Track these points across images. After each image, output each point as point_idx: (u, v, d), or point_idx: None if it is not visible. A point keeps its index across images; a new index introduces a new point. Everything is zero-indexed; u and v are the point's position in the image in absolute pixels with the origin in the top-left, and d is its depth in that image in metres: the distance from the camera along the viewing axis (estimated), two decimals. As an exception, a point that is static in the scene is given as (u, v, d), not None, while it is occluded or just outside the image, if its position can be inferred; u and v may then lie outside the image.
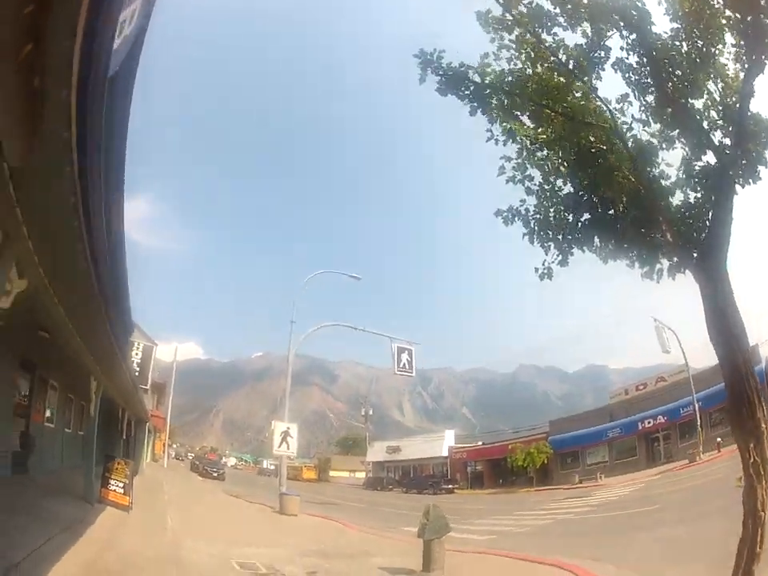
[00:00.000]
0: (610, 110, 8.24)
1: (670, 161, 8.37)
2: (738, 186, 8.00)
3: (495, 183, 8.86)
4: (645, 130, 8.39)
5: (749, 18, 7.52)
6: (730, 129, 7.96)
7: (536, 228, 8.86)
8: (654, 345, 55.73)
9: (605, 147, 8.30)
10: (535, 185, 8.83)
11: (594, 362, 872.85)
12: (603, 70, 8.10)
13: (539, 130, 8.50)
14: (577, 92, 8.47)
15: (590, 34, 8.09)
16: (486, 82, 8.11)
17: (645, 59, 7.99)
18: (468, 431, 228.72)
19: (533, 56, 8.17)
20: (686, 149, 8.12)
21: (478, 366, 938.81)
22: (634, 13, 7.83)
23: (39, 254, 6.80)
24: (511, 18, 8.19)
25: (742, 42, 7.70)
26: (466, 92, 8.10)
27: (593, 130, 8.34)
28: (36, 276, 7.40)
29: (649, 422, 60.97)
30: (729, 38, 7.85)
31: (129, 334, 39.76)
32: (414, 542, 14.17)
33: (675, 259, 8.34)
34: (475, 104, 8.20)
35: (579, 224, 8.76)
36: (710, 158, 8.14)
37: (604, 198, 8.49)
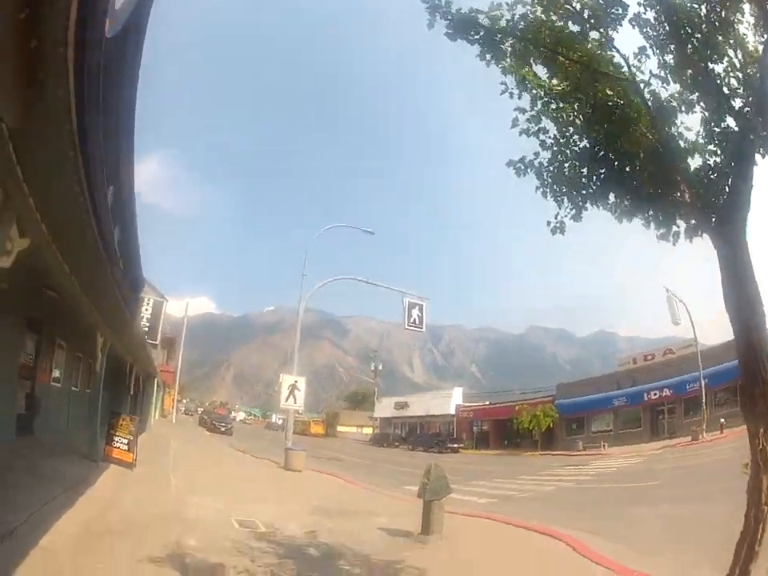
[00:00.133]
0: (627, 62, 7.84)
1: (690, 125, 8.17)
2: (758, 156, 7.54)
3: (511, 139, 8.73)
4: (663, 87, 7.76)
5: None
6: (750, 99, 7.51)
7: (549, 181, 8.52)
8: (665, 316, 55.30)
9: (622, 102, 7.93)
10: (549, 138, 8.46)
11: (604, 329, 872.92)
12: (621, 25, 7.88)
13: (553, 81, 8.19)
14: (593, 42, 7.97)
15: None
16: (497, 27, 7.78)
17: (663, 16, 7.57)
18: (476, 390, 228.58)
19: (545, 2, 7.94)
20: (706, 112, 7.88)
21: (488, 325, 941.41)
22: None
23: (41, 212, 6.80)
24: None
25: (760, 12, 7.51)
26: (476, 36, 7.68)
27: (609, 83, 7.95)
28: (39, 234, 7.36)
29: (655, 394, 60.83)
30: (747, 8, 7.67)
31: (139, 290, 39.87)
32: (415, 501, 14.21)
33: (693, 221, 7.95)
34: (485, 49, 7.85)
35: (595, 178, 8.40)
36: (730, 122, 7.63)
37: (621, 153, 8.11)
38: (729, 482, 18.71)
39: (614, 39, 7.89)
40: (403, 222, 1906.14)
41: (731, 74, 7.63)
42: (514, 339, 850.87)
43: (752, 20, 7.59)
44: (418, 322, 38.67)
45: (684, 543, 13.15)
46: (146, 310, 47.97)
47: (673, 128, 7.87)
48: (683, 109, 7.88)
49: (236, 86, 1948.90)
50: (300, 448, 30.37)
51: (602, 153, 8.16)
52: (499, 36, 7.71)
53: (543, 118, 8.28)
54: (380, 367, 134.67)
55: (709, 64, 7.49)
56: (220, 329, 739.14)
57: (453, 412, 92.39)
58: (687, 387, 56.57)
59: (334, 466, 36.93)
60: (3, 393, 16.43)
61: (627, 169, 8.08)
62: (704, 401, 51.35)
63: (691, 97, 7.86)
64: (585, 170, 8.34)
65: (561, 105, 8.06)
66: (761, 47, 7.32)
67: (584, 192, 8.34)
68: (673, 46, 7.64)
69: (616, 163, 8.05)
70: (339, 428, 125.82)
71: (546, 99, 8.10)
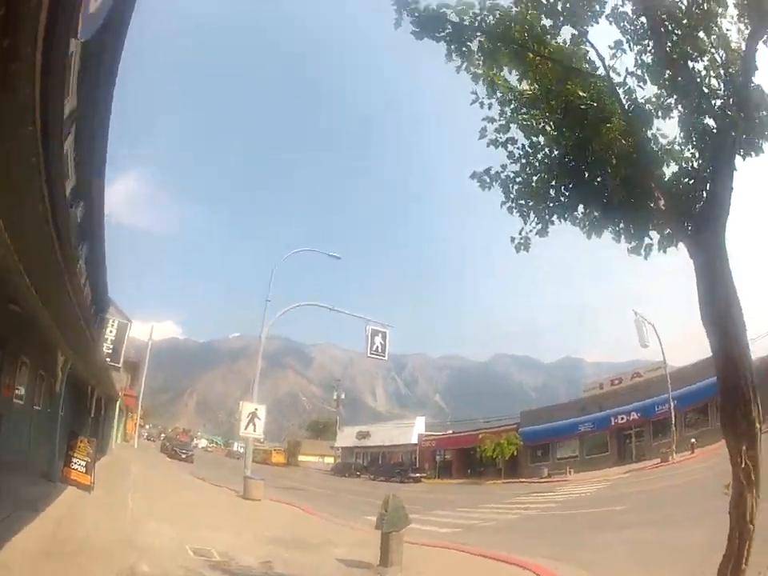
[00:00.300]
0: (602, 59, 7.60)
1: (666, 131, 8.01)
2: (738, 158, 7.43)
3: (479, 161, 8.58)
4: (640, 86, 7.70)
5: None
6: (732, 99, 7.32)
7: (515, 194, 8.37)
8: (632, 340, 55.61)
9: (595, 104, 7.79)
10: (518, 148, 8.31)
11: (570, 354, 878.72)
12: (597, 23, 7.69)
13: (523, 84, 8.03)
14: (567, 40, 7.78)
15: None
16: (466, 23, 7.46)
17: (641, 10, 7.43)
18: (440, 419, 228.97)
19: None
20: (684, 112, 7.64)
21: (452, 353, 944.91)
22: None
23: (5, 220, 6.64)
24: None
25: (744, 3, 7.35)
26: (443, 34, 7.42)
27: (582, 82, 7.81)
28: (2, 244, 7.24)
29: (622, 418, 60.90)
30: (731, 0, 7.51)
31: (104, 310, 39.41)
32: (375, 531, 13.93)
33: (667, 231, 7.87)
34: (453, 47, 7.61)
35: (563, 189, 8.26)
36: (709, 123, 7.48)
37: (592, 162, 7.97)
38: (697, 504, 18.86)
39: (587, 32, 7.73)
40: (368, 251, 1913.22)
41: (712, 72, 7.48)
42: (479, 367, 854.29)
43: (736, 12, 7.44)
44: (380, 350, 38.62)
45: (651, 568, 13.17)
46: (111, 331, 47.67)
47: (648, 132, 7.71)
48: (660, 114, 7.69)
49: (196, 115, 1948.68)
50: (259, 477, 30.02)
51: (572, 163, 7.94)
52: (467, 33, 7.50)
53: (512, 126, 8.10)
54: (342, 396, 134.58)
55: (689, 62, 7.34)
56: (185, 354, 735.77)
57: (415, 441, 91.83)
58: (656, 409, 56.87)
59: (294, 495, 36.60)
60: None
61: (598, 179, 7.90)
62: (673, 422, 51.56)
63: (669, 101, 7.70)
64: (553, 182, 8.17)
65: (531, 111, 7.90)
66: (744, 44, 7.18)
67: (552, 204, 8.19)
68: (651, 42, 7.46)
69: (587, 173, 7.86)
70: (301, 457, 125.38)
71: (515, 105, 7.91)
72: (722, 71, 7.42)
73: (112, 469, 32.15)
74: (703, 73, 7.48)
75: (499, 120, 8.02)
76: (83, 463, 19.41)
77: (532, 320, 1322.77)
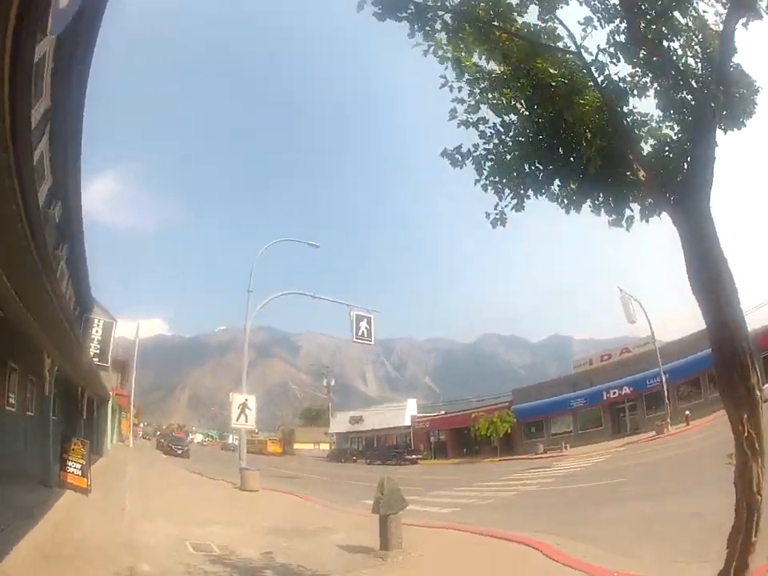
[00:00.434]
0: (571, 35, 7.27)
1: (642, 110, 7.81)
2: (720, 133, 7.14)
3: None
4: (613, 62, 7.29)
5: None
6: (710, 77, 6.99)
7: (488, 172, 8.07)
8: (619, 316, 55.85)
9: (566, 81, 7.50)
10: (490, 127, 7.98)
11: (557, 333, 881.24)
12: (566, 2, 7.49)
13: (491, 63, 7.71)
14: (533, 14, 7.49)
15: None
16: (429, 2, 7.14)
17: None
18: (432, 400, 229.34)
19: None
20: (661, 89, 7.41)
21: (439, 335, 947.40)
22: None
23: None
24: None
25: None
26: (405, 14, 7.17)
27: (552, 60, 7.55)
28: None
29: (614, 393, 61.28)
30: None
31: (88, 310, 39.13)
32: (374, 516, 13.77)
33: (649, 201, 7.61)
34: (416, 26, 7.25)
35: (538, 164, 7.95)
36: (688, 97, 7.20)
37: (566, 137, 7.68)
38: (694, 475, 18.88)
39: (555, 9, 7.46)
40: (353, 238, 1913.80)
41: (689, 52, 7.29)
42: (467, 348, 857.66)
43: None
44: (366, 335, 38.60)
45: (653, 540, 12.93)
46: (96, 331, 47.43)
47: (624, 108, 7.56)
48: (635, 93, 7.51)
49: (183, 104, 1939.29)
50: (255, 468, 30.15)
51: (546, 140, 7.76)
52: (430, 12, 7.27)
53: (483, 107, 7.87)
54: (333, 383, 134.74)
55: (665, 42, 7.17)
56: (173, 350, 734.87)
57: (409, 423, 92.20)
58: (648, 383, 57.15)
59: (291, 484, 36.62)
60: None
61: (573, 156, 7.65)
62: (666, 395, 51.84)
63: (644, 80, 7.49)
64: (527, 159, 7.94)
65: (502, 90, 7.72)
66: (721, 25, 6.99)
67: (527, 180, 7.97)
68: (624, 22, 7.18)
69: (561, 150, 7.70)
70: (296, 445, 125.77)
71: (484, 85, 7.73)
72: (699, 50, 7.18)
73: (109, 470, 32.11)
74: (680, 52, 7.25)
75: (468, 100, 7.81)
76: (78, 466, 19.22)
77: (517, 300, 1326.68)
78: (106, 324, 49.11)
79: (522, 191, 7.98)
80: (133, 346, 77.96)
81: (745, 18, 6.85)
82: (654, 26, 7.06)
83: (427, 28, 7.36)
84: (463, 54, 7.53)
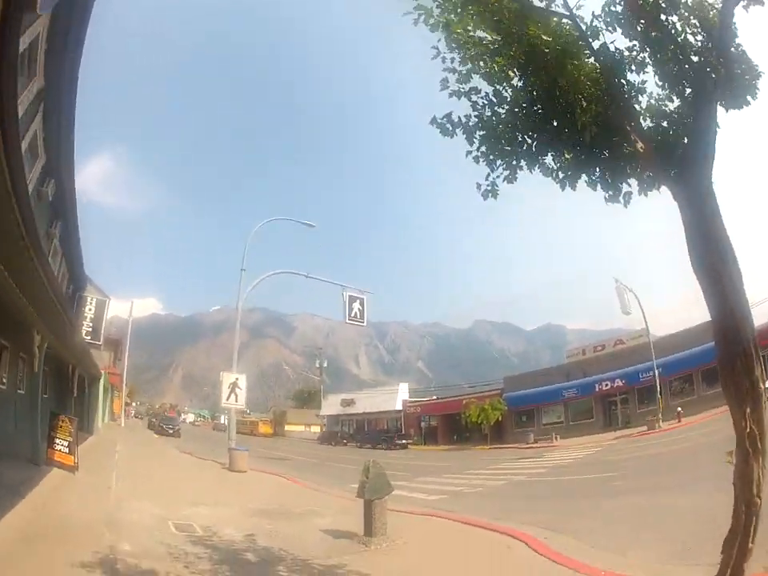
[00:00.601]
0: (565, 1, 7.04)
1: (639, 82, 7.64)
2: (722, 111, 6.97)
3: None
4: (609, 30, 6.92)
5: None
6: (710, 52, 6.71)
7: (479, 141, 7.74)
8: (614, 307, 55.75)
9: (559, 48, 7.11)
10: (482, 97, 7.69)
11: (551, 321, 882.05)
12: None
13: (480, 31, 7.25)
14: None
15: None
16: None
17: None
18: (424, 385, 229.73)
19: None
20: (660, 63, 7.25)
21: (433, 320, 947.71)
22: None
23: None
24: None
25: None
26: None
27: (545, 25, 7.17)
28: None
29: (606, 385, 61.22)
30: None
31: (81, 287, 39.11)
32: (361, 500, 13.69)
33: (648, 174, 7.34)
34: None
35: (531, 136, 7.65)
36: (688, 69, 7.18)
37: (560, 108, 7.34)
38: (687, 472, 18.84)
39: None
40: (350, 220, 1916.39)
41: (688, 29, 7.02)
42: (461, 334, 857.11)
43: None
44: (359, 316, 38.64)
45: (647, 537, 12.76)
46: (89, 309, 47.41)
47: (621, 78, 7.38)
48: (633, 68, 7.33)
49: (182, 80, 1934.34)
50: (244, 448, 30.01)
51: (539, 111, 7.54)
52: None
53: (475, 76, 7.54)
54: (325, 364, 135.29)
55: (663, 15, 6.98)
56: (167, 330, 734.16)
57: (400, 408, 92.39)
58: (640, 377, 57.00)
59: (280, 465, 36.74)
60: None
61: (568, 126, 7.41)
62: (659, 390, 51.69)
63: (642, 55, 7.27)
64: (520, 131, 7.66)
65: (494, 58, 7.50)
66: (721, 3, 6.83)
67: (519, 150, 7.69)
68: None
69: (555, 120, 7.54)
70: (287, 427, 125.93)
71: (475, 52, 7.50)
72: (698, 25, 6.99)
73: (98, 448, 32.09)
74: (679, 28, 6.98)
75: (460, 69, 7.59)
76: (66, 443, 19.14)
77: (512, 288, 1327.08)
78: (99, 302, 49.11)
79: (514, 162, 7.70)
80: (126, 325, 77.88)
81: (745, 1, 6.72)
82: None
83: None
84: (453, 17, 7.27)
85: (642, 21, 6.99)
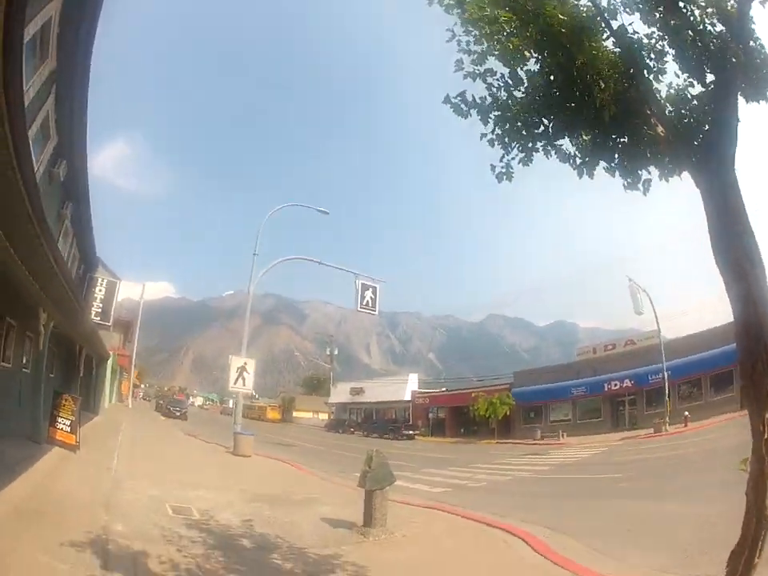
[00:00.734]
0: None
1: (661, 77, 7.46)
2: (742, 101, 6.62)
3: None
4: (626, 11, 6.98)
5: None
6: (730, 41, 6.51)
7: (493, 119, 7.49)
8: (626, 307, 55.12)
9: (577, 26, 6.85)
10: (497, 79, 7.46)
11: (563, 319, 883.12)
12: None
13: (497, 7, 7.33)
14: None
15: None
16: None
17: None
18: (434, 377, 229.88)
19: None
20: (679, 50, 7.06)
21: (446, 313, 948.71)
22: None
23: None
24: None
25: None
26: None
27: (563, 6, 6.87)
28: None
29: (615, 385, 60.76)
30: None
31: (92, 270, 39.12)
32: (363, 490, 13.64)
33: (668, 161, 7.05)
34: None
35: (549, 119, 7.45)
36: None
37: (578, 85, 6.99)
38: (691, 477, 18.65)
39: None
40: (366, 210, 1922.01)
41: (707, 20, 6.76)
42: (473, 327, 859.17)
43: None
44: (371, 305, 38.53)
45: (649, 543, 12.60)
46: (99, 290, 47.46)
47: (640, 61, 7.16)
48: (653, 56, 7.10)
49: (198, 66, 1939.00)
50: (249, 432, 30.06)
51: (556, 92, 7.36)
52: None
53: (490, 58, 7.25)
54: (336, 352, 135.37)
55: (681, 3, 6.78)
56: (179, 313, 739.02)
57: (409, 398, 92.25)
58: (649, 378, 56.52)
59: (286, 451, 36.83)
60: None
61: (585, 107, 7.19)
62: (667, 393, 51.14)
63: (661, 43, 7.00)
64: (536, 113, 7.50)
65: (510, 38, 7.27)
66: None
67: (536, 131, 7.45)
68: None
69: (572, 103, 7.28)
70: (295, 413, 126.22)
71: (490, 30, 7.27)
72: (716, 14, 6.86)
73: (103, 428, 32.17)
74: (698, 17, 6.83)
75: (475, 49, 7.39)
76: (68, 422, 19.08)
77: (525, 284, 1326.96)
78: (110, 283, 49.14)
79: (530, 144, 7.50)
80: (138, 307, 78.01)
81: None
82: None
83: None
84: None
85: (661, 8, 6.78)
